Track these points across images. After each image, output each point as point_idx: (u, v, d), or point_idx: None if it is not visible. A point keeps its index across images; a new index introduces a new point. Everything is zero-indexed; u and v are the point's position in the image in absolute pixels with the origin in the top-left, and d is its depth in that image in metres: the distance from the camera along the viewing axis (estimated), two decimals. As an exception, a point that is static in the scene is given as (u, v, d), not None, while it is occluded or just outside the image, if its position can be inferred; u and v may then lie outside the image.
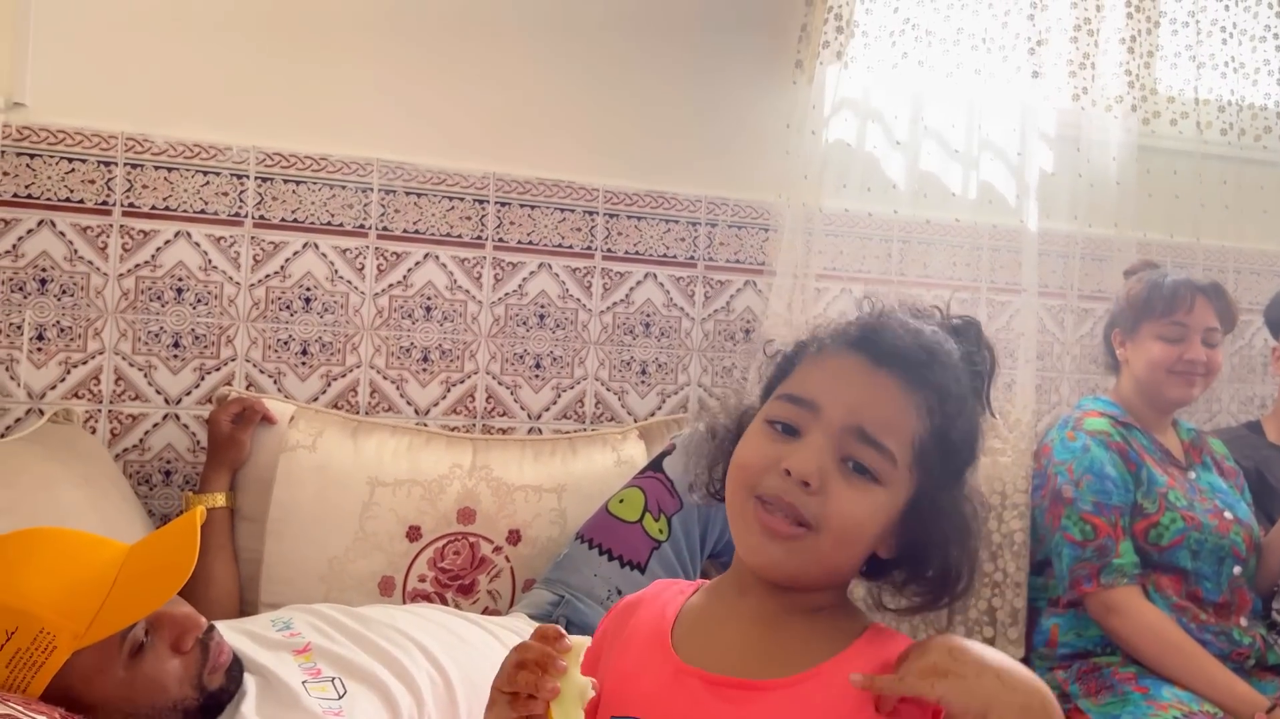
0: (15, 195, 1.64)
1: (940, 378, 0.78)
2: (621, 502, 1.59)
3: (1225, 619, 1.67)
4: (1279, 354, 1.99)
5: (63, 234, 1.66)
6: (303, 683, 1.09)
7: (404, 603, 1.56)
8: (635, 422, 1.96)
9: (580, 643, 0.74)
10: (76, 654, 0.94)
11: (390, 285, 1.83)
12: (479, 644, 1.26)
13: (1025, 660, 1.84)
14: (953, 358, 0.80)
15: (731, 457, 0.81)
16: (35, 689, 0.93)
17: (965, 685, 0.69)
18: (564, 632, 0.75)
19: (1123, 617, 1.61)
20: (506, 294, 1.90)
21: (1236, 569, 1.69)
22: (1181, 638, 1.60)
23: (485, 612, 1.58)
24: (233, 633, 1.15)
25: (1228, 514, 1.71)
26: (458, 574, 1.62)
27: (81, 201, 1.67)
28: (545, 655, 0.73)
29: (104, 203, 1.68)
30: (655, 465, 1.63)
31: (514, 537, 1.66)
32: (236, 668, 1.09)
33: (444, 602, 1.59)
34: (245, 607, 1.54)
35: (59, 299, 1.67)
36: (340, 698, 1.08)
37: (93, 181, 1.67)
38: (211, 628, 1.08)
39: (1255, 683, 1.62)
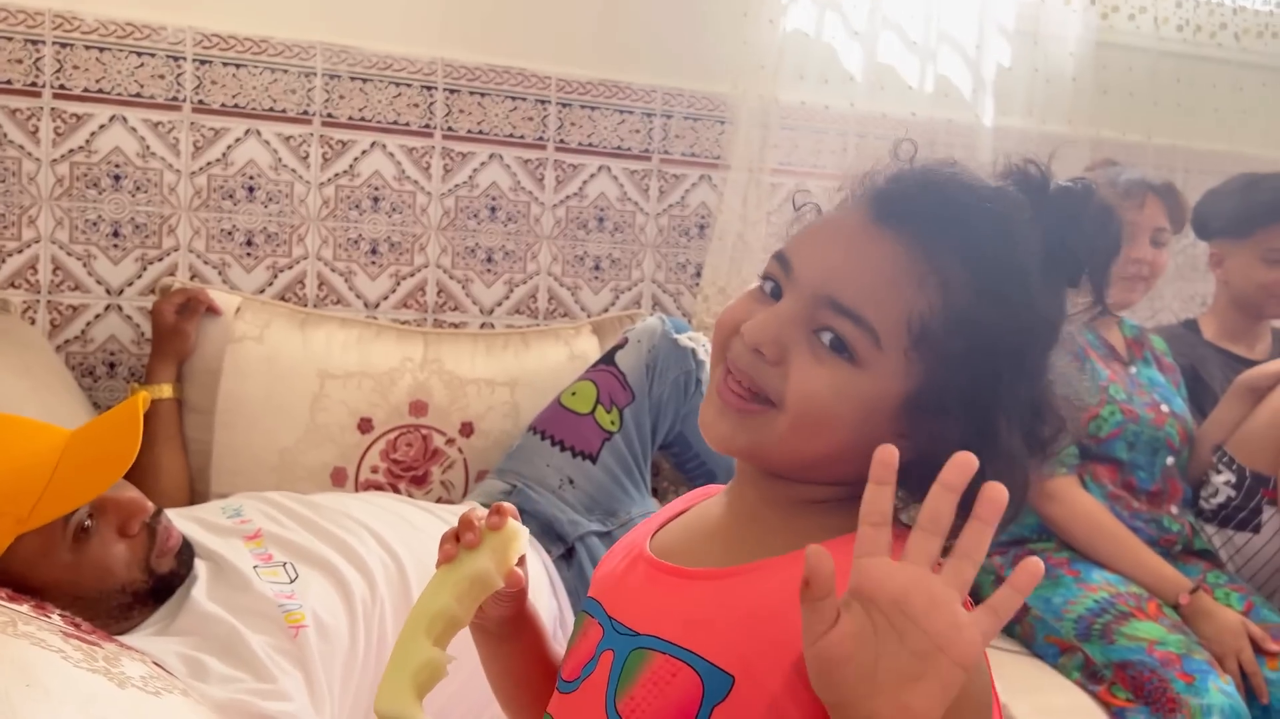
0: (-63, 74, 1.56)
1: (968, 240, 0.61)
2: (574, 394, 1.60)
3: (1157, 508, 1.74)
4: (1215, 257, 2.02)
5: (-10, 116, 1.59)
6: (254, 568, 1.09)
7: (356, 492, 1.56)
8: (589, 317, 1.96)
9: (513, 534, 0.70)
10: (19, 539, 0.94)
11: (336, 175, 1.79)
12: (431, 530, 1.27)
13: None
14: (1003, 220, 0.62)
15: None
16: None
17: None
18: (511, 512, 0.71)
19: (1059, 504, 1.66)
20: (456, 185, 1.86)
21: (1170, 460, 1.75)
22: (1113, 524, 1.67)
23: (438, 501, 1.60)
24: (182, 520, 1.15)
25: (1164, 408, 1.77)
26: (410, 465, 1.63)
27: (9, 83, 1.59)
28: (466, 523, 0.69)
29: (33, 84, 1.61)
30: (608, 359, 1.64)
31: (466, 429, 1.66)
32: (186, 552, 1.09)
33: (397, 492, 1.60)
34: (195, 498, 1.54)
35: (-11, 185, 1.61)
36: (292, 582, 1.09)
37: (20, 61, 1.59)
38: (159, 512, 1.08)
39: (1181, 566, 1.69)
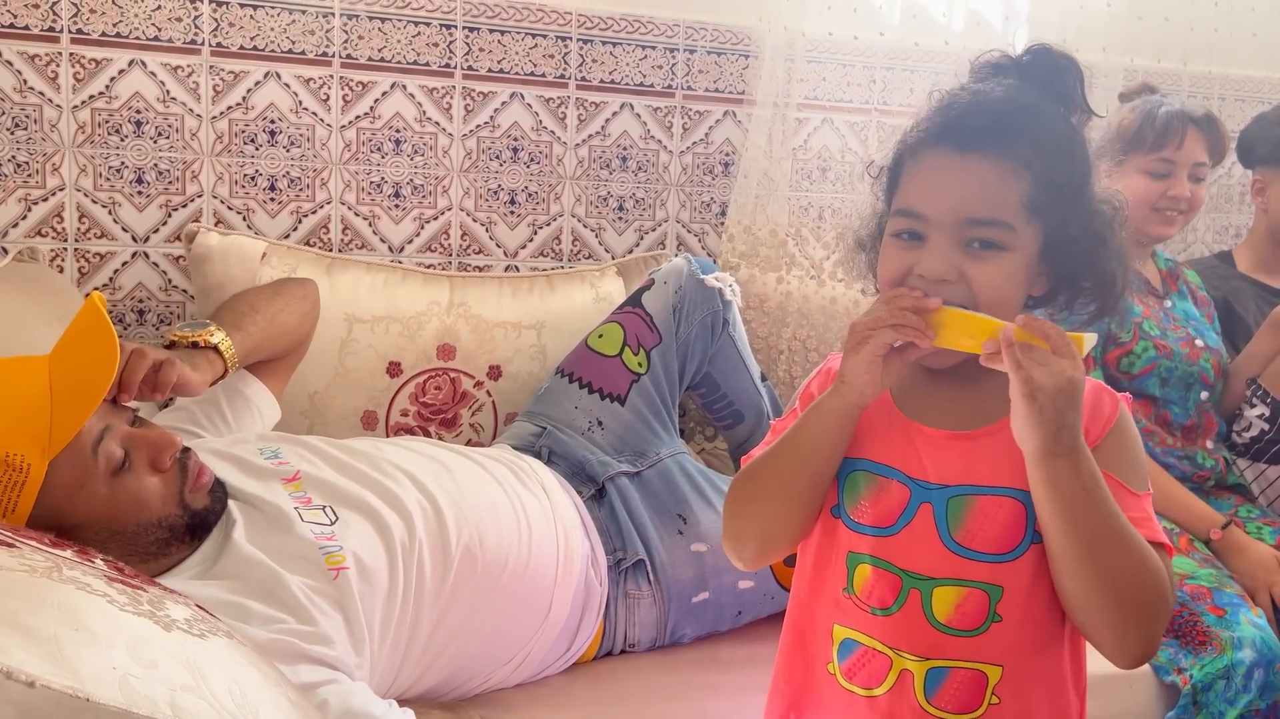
0: (-46, 21, 1.55)
1: (1025, 129, 0.86)
2: (601, 336, 1.59)
3: (1191, 443, 1.72)
4: (1258, 185, 1.98)
5: (9, 63, 1.58)
6: (294, 509, 1.11)
7: (387, 436, 1.57)
8: (613, 259, 1.94)
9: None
10: (53, 470, 0.96)
11: (357, 117, 1.77)
12: (465, 473, 1.28)
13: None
14: (1031, 100, 0.87)
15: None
16: (24, 507, 0.95)
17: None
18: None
19: (1090, 441, 1.65)
20: (478, 126, 1.84)
21: (1204, 395, 1.73)
22: (1145, 461, 1.66)
23: (468, 444, 1.60)
24: (220, 461, 1.16)
25: (1198, 342, 1.74)
26: (440, 408, 1.63)
27: (26, 28, 1.58)
28: (910, 295, 0.84)
29: (50, 29, 1.59)
30: (634, 301, 1.62)
31: (494, 372, 1.66)
32: (219, 489, 1.11)
33: (427, 435, 1.61)
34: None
35: (12, 132, 1.60)
36: (332, 524, 1.11)
37: (36, 6, 1.58)
38: (188, 450, 1.09)
39: (1212, 501, 1.69)
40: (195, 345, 1.24)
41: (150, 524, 1.03)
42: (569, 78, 1.88)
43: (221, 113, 1.69)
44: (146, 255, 1.70)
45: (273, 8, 1.69)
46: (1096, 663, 0.94)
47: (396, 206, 1.82)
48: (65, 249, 1.66)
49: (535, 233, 1.91)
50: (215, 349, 1.25)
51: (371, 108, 1.77)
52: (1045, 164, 0.85)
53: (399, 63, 1.77)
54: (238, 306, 1.36)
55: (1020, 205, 0.85)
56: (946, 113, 0.88)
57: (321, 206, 1.78)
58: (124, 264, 1.69)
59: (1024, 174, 0.85)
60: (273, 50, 1.70)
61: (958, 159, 0.85)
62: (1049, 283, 0.90)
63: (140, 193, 1.68)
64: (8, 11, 1.56)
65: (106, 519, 1.01)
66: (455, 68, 1.81)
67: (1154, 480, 1.61)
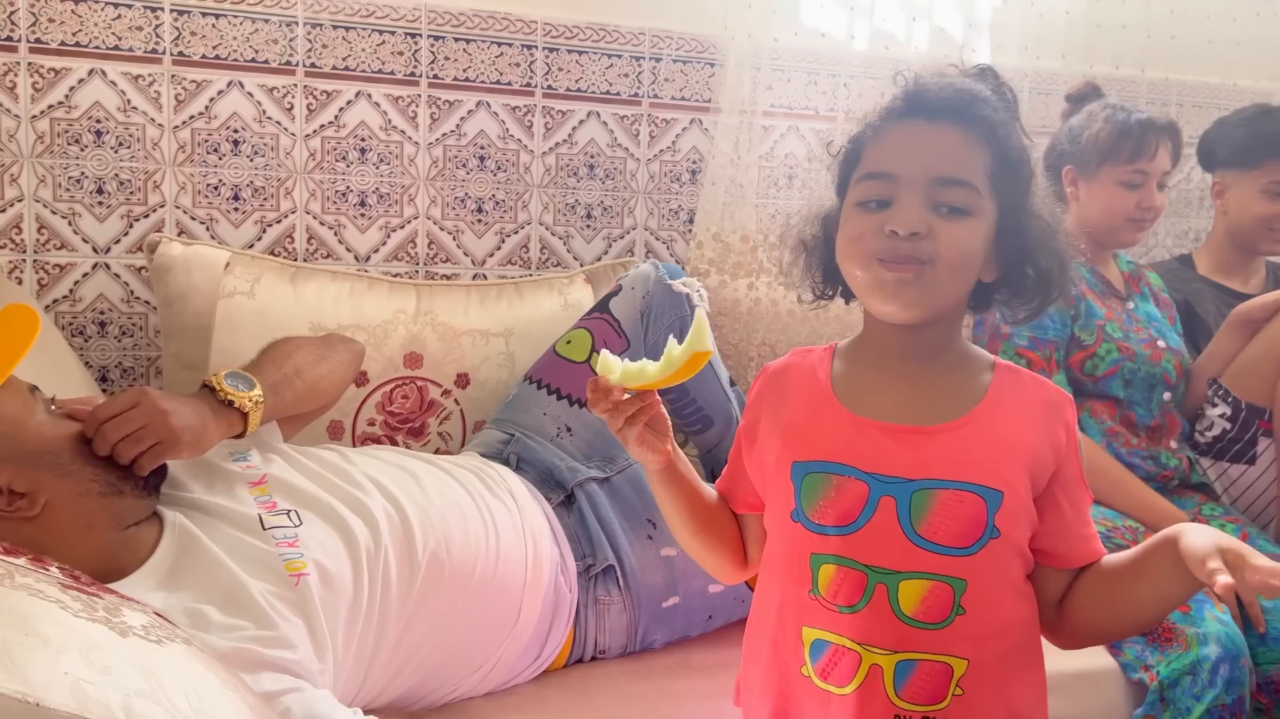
0: (-91, 30, 1.53)
1: (984, 112, 0.91)
2: (569, 343, 1.59)
3: (1156, 443, 1.74)
4: (1218, 188, 2.01)
5: (-34, 73, 1.56)
6: (258, 514, 1.09)
7: (354, 446, 1.56)
8: (581, 267, 1.94)
9: (604, 358, 0.91)
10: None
11: (322, 126, 1.76)
12: (432, 481, 1.27)
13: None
14: (987, 94, 0.92)
15: (835, 248, 0.94)
16: None
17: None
18: (594, 378, 0.91)
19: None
20: (444, 135, 1.84)
21: (1166, 395, 1.75)
22: (1108, 462, 1.67)
23: (436, 452, 1.59)
24: (186, 462, 1.15)
25: (1160, 343, 1.76)
26: (407, 417, 1.62)
27: (-17, 37, 1.56)
28: (601, 389, 0.91)
29: (8, 39, 1.57)
30: (602, 307, 1.62)
31: (462, 380, 1.66)
32: None
33: (394, 444, 1.60)
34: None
35: (-31, 143, 1.58)
36: (296, 528, 1.09)
37: (-7, 15, 1.56)
38: None
39: (1176, 500, 1.70)
40: (230, 403, 1.17)
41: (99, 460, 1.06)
42: (535, 86, 1.88)
43: (184, 122, 1.68)
44: (108, 266, 1.68)
45: (235, 16, 1.68)
46: (1065, 661, 0.95)
47: (362, 215, 1.81)
48: (24, 260, 1.63)
49: (503, 241, 1.91)
50: (244, 415, 1.18)
51: (336, 116, 1.76)
52: (1001, 146, 0.90)
53: (363, 71, 1.77)
54: (283, 366, 1.28)
55: (983, 174, 0.89)
56: (914, 89, 0.92)
57: (286, 216, 1.76)
58: (85, 275, 1.67)
59: (985, 148, 0.90)
60: (235, 59, 1.69)
61: (926, 126, 0.90)
62: (998, 270, 0.93)
63: (101, 203, 1.66)
64: (-36, 20, 1.55)
65: (64, 443, 1.04)
66: (421, 76, 1.81)
67: (1119, 480, 1.65)
